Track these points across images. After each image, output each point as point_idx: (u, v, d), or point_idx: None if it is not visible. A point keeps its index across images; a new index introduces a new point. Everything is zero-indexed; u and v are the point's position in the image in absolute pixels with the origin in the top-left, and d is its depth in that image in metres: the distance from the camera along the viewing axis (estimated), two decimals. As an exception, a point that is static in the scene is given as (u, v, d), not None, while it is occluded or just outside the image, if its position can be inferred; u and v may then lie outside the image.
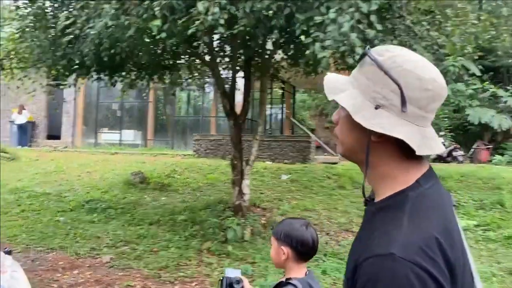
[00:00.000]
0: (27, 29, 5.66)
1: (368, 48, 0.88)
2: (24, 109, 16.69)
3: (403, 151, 0.84)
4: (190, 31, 4.33)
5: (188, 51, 6.46)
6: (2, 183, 8.61)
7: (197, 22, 4.18)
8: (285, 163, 10.37)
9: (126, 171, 9.49)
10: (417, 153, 0.81)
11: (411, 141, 0.81)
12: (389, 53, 0.86)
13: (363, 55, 0.88)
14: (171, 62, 7.07)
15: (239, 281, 1.75)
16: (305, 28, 4.38)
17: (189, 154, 11.91)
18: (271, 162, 10.58)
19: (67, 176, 9.30)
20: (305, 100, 21.80)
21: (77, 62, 5.32)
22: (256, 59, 6.67)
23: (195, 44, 5.99)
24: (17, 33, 5.82)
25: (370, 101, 0.84)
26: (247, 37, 5.50)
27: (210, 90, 14.12)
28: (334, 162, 10.75)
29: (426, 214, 0.82)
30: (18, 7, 5.90)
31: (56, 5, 5.84)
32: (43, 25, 5.42)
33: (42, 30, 5.41)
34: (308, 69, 7.12)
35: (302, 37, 4.44)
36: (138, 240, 5.83)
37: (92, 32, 4.50)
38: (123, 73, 6.84)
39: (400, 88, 0.81)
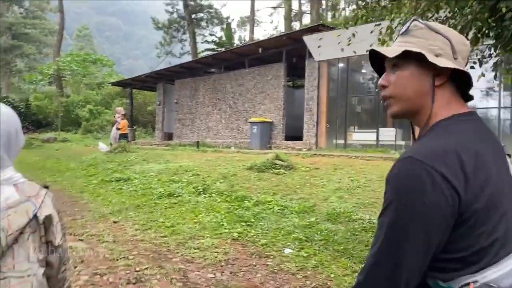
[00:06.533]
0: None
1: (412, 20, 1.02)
2: None
3: (453, 94, 0.99)
4: None
5: None
6: (304, 204, 6.65)
7: None
8: None
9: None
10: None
11: (470, 79, 0.98)
12: (429, 21, 1.05)
13: (409, 25, 1.03)
14: None
15: None
16: None
17: None
18: None
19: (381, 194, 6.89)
20: None
21: None
22: None
23: None
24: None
25: (429, 52, 0.96)
26: None
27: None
28: None
29: (451, 135, 0.91)
30: None
31: None
32: None
33: None
34: None
35: None
36: None
37: None
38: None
39: (451, 42, 0.98)
